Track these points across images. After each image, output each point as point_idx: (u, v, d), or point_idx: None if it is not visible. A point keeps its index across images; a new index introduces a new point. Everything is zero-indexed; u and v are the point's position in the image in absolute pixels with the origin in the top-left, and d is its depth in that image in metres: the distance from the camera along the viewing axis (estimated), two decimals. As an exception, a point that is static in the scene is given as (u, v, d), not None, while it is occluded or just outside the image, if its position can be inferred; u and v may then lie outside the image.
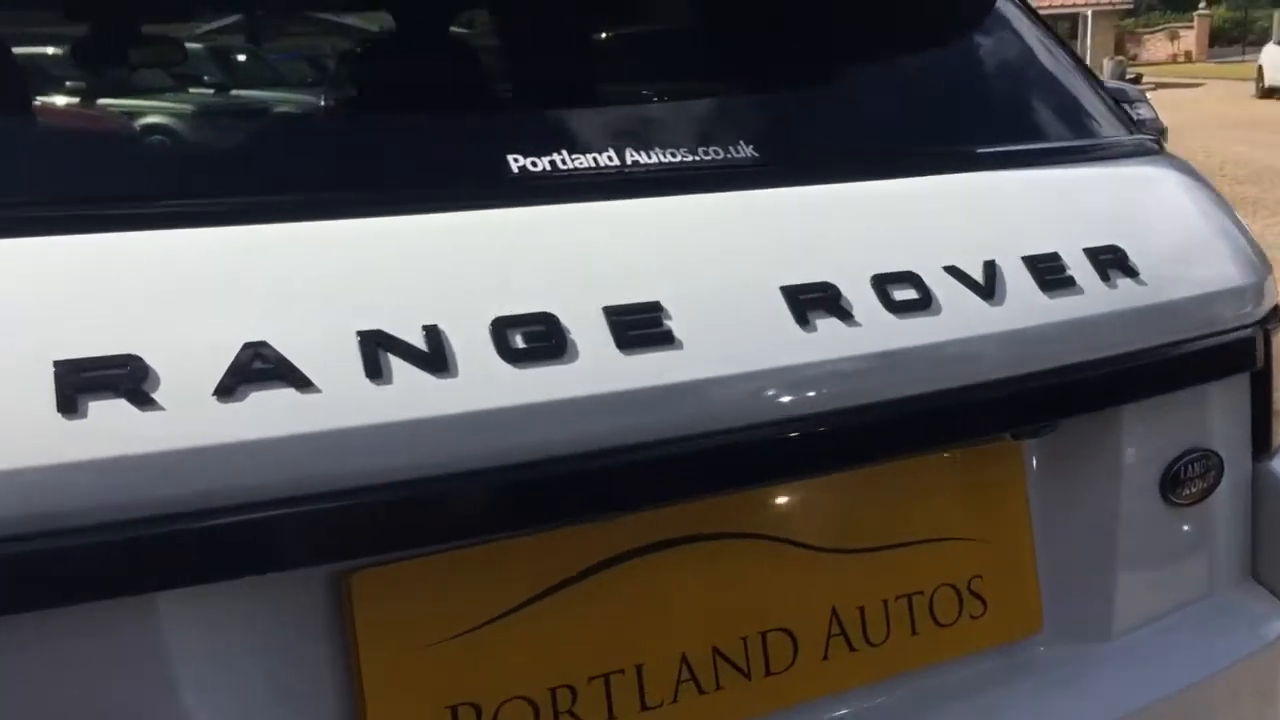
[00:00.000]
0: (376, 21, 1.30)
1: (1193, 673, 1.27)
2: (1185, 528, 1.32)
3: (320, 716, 0.94)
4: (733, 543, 1.08)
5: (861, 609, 1.13)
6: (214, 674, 0.89)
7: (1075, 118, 1.43)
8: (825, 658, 1.11)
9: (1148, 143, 1.46)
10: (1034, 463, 1.24)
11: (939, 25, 1.41)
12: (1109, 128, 1.45)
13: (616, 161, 1.11)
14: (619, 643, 1.03)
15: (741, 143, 1.17)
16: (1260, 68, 25.38)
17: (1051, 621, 1.24)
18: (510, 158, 1.07)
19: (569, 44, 1.31)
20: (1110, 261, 1.22)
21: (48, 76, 1.15)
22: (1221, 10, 42.21)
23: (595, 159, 1.10)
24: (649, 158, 1.12)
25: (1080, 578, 1.26)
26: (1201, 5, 39.04)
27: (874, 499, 1.14)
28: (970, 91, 1.38)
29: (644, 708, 1.03)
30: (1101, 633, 1.27)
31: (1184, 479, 1.30)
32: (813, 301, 1.05)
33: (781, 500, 1.09)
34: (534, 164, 1.08)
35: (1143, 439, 1.27)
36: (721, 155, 1.16)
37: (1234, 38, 37.78)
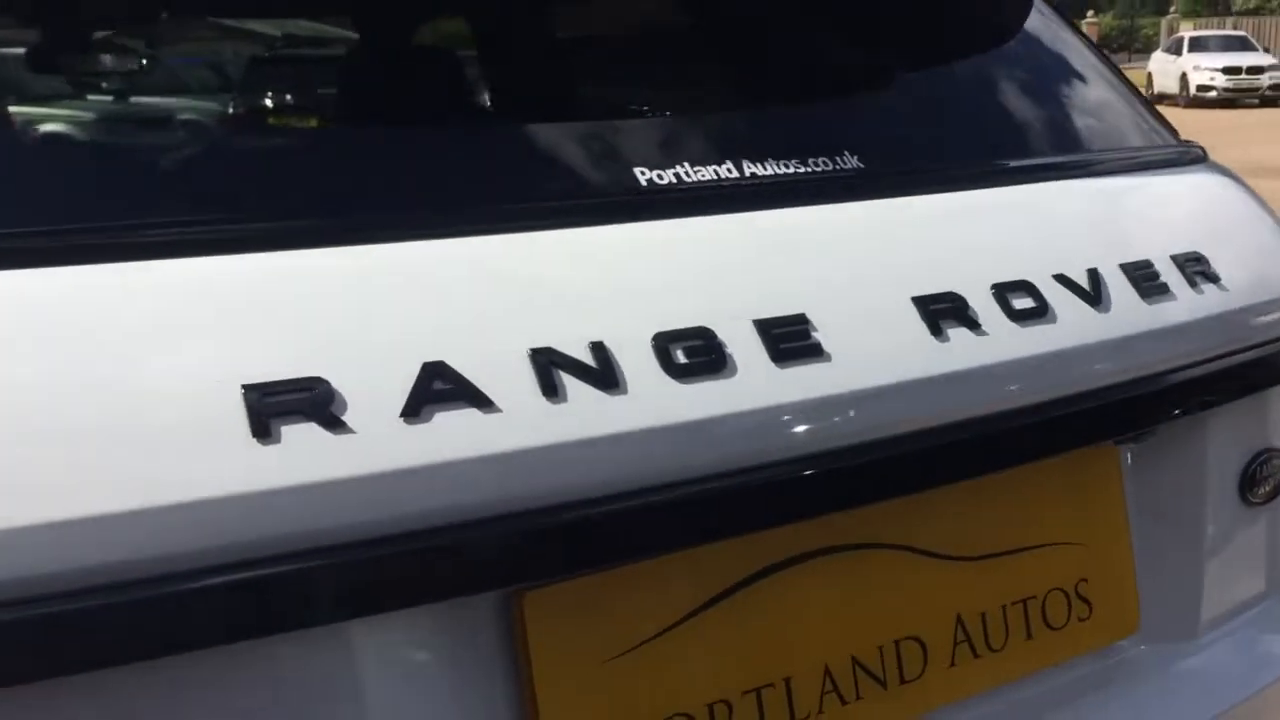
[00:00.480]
0: (511, 39, 1.28)
1: (1276, 669, 1.30)
2: (1261, 526, 1.36)
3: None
4: (863, 553, 1.08)
5: (983, 615, 1.14)
6: (396, 698, 0.87)
7: (1135, 127, 1.46)
8: (952, 665, 1.12)
9: (1195, 150, 1.50)
10: (1128, 466, 1.26)
11: (1016, 47, 1.44)
12: (1162, 136, 1.48)
13: (735, 174, 1.11)
14: (768, 656, 1.03)
15: (847, 153, 1.18)
16: (1150, 75, 26.21)
17: (1146, 621, 1.26)
18: (637, 170, 1.07)
19: (688, 58, 1.30)
20: (1196, 269, 1.25)
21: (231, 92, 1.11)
22: (1108, 19, 43.46)
23: (715, 171, 1.10)
24: (765, 169, 1.12)
25: (1168, 577, 1.29)
26: (1090, 13, 40.14)
27: (989, 506, 1.15)
28: (1046, 105, 1.40)
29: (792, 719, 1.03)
30: (1189, 631, 1.30)
31: (1259, 478, 1.34)
32: (943, 311, 1.06)
33: (907, 509, 1.10)
34: (659, 177, 1.07)
35: (1223, 440, 1.31)
36: (830, 166, 1.16)
37: (1121, 45, 38.89)
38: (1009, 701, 1.17)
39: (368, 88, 1.23)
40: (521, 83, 1.21)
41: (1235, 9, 46.76)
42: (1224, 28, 32.56)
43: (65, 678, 0.75)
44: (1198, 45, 29.09)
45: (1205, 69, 27.80)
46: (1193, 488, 1.29)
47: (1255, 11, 42.28)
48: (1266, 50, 29.53)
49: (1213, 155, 1.50)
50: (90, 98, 1.26)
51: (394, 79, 1.19)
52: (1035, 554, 1.18)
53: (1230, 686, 1.28)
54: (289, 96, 1.31)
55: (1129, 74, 1.65)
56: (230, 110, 1.16)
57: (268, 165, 0.98)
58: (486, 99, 1.19)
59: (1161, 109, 1.65)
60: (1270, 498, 1.35)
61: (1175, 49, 29.52)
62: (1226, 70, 27.58)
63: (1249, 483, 1.33)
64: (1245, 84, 27.31)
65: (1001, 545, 1.16)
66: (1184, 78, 28.17)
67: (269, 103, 1.30)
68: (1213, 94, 27.53)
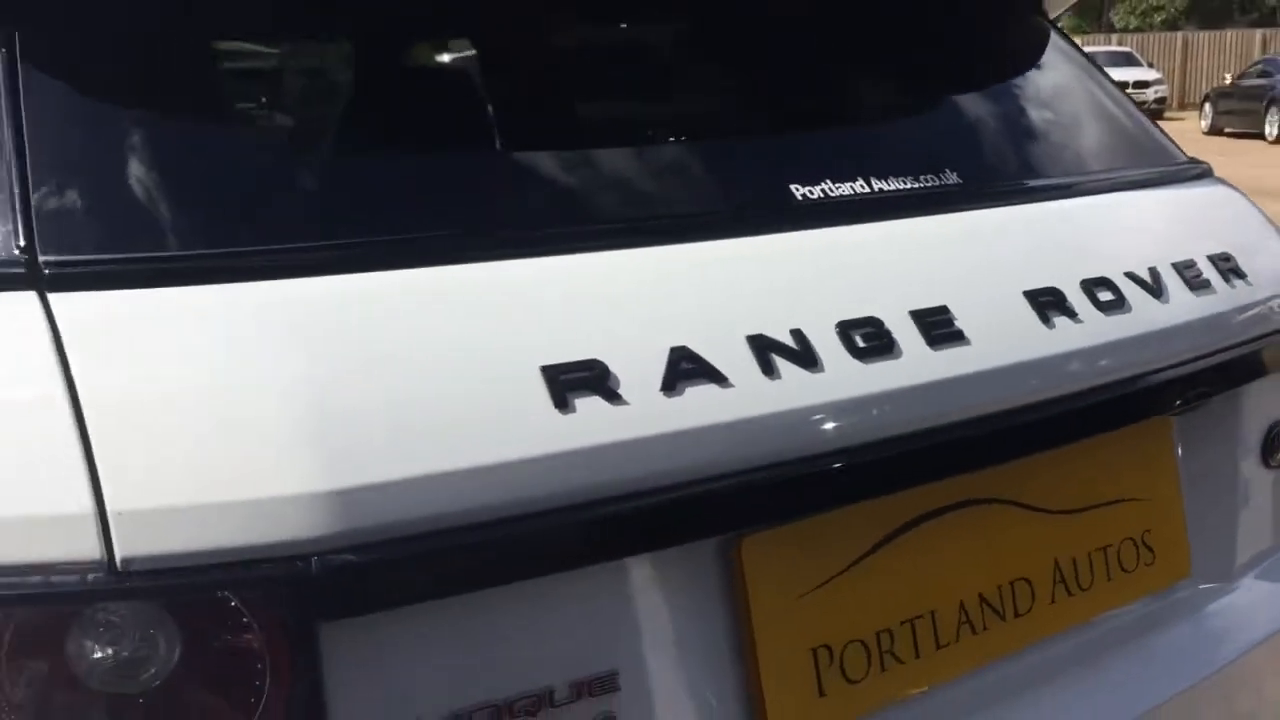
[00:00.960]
0: (693, 69, 1.46)
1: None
2: (1276, 485, 1.59)
3: (718, 656, 1.10)
4: (985, 508, 1.28)
5: (1074, 560, 1.35)
6: (649, 617, 1.05)
7: (1160, 147, 1.70)
8: (1052, 601, 1.33)
9: (1204, 165, 1.73)
10: (1177, 437, 1.48)
11: (1069, 88, 1.66)
12: (1178, 154, 1.72)
13: (866, 189, 1.31)
14: (917, 593, 1.22)
15: (948, 170, 1.39)
16: (1041, 89, 27.08)
17: (1195, 566, 1.48)
18: (793, 187, 1.26)
19: (830, 85, 1.50)
20: (1228, 267, 1.48)
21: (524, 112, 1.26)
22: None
23: (851, 187, 1.30)
24: (888, 185, 1.32)
25: (1209, 529, 1.51)
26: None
27: (1075, 468, 1.36)
28: (1096, 131, 1.63)
29: (938, 647, 1.23)
30: (1227, 575, 1.52)
31: (1277, 445, 1.57)
32: (1047, 303, 1.27)
33: (1016, 471, 1.30)
34: (810, 192, 1.27)
35: (1250, 414, 1.54)
36: (937, 181, 1.37)
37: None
38: (1096, 633, 1.38)
39: (623, 120, 1.40)
40: (715, 114, 1.40)
41: (1117, 26, 48.36)
42: (1109, 44, 33.78)
43: (448, 597, 0.92)
44: (1086, 61, 30.10)
45: (1094, 84, 28.72)
46: (1227, 454, 1.52)
47: (1137, 28, 43.81)
48: (1151, 65, 30.65)
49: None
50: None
51: (646, 111, 1.37)
52: (1111, 509, 1.39)
53: (1261, 620, 1.50)
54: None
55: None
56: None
57: (560, 186, 1.16)
58: (689, 133, 1.38)
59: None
60: (1286, 460, 1.59)
61: (1065, 65, 30.45)
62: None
63: (1269, 449, 1.56)
64: (1133, 98, 28.33)
65: (1085, 501, 1.37)
66: (1074, 92, 29.00)
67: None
68: (1102, 108, 28.36)
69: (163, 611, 0.88)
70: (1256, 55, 30.20)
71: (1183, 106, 31.46)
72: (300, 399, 0.90)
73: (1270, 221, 1.68)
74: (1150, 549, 1.42)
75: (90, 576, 0.86)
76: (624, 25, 1.41)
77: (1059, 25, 1.86)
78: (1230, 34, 35.50)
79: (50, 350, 0.90)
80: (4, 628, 0.86)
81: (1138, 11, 48.31)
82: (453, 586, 0.94)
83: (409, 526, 0.90)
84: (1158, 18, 45.71)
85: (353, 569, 0.89)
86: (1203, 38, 35.05)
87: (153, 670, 0.88)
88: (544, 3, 1.28)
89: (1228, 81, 25.28)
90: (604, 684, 1.02)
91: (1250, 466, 1.55)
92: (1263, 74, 23.95)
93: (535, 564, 0.97)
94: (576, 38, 1.36)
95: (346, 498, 0.89)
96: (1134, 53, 31.22)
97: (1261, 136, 22.83)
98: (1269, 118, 22.46)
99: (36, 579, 0.85)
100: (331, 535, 0.88)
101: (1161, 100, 28.85)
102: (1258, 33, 34.88)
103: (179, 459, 0.88)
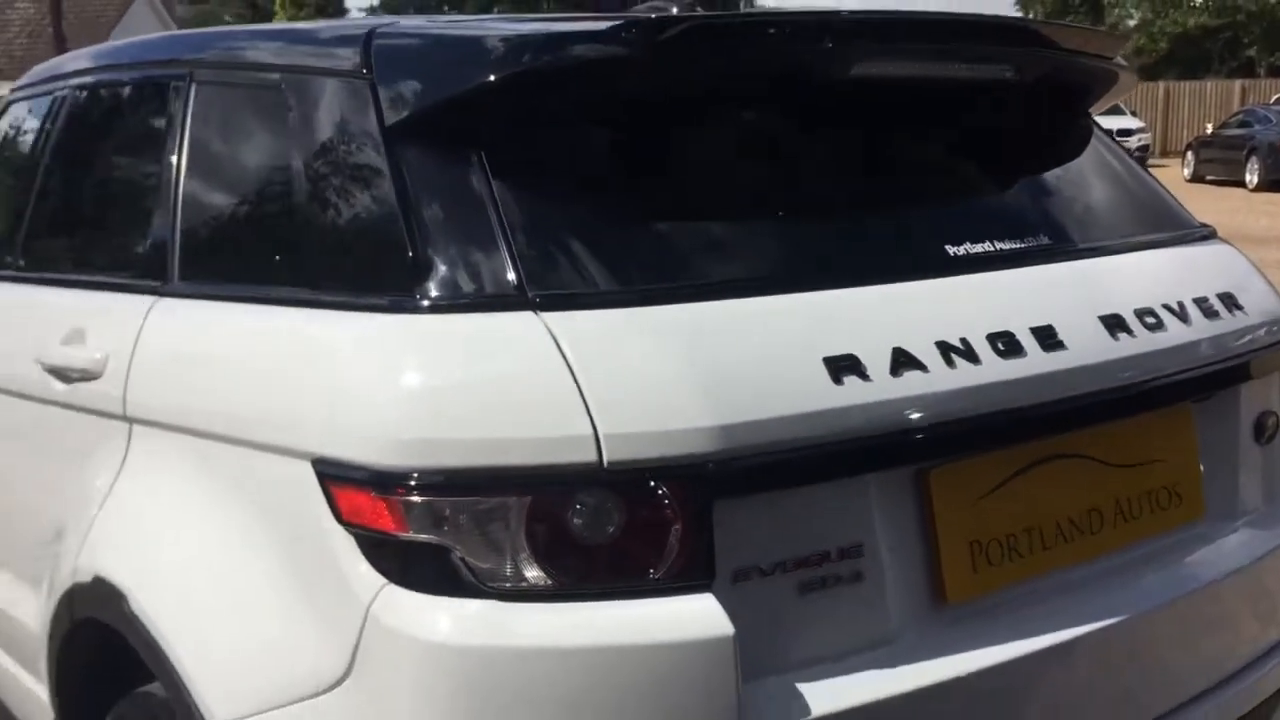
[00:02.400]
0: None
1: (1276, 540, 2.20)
2: (1262, 457, 2.25)
3: (912, 562, 1.74)
4: (1073, 460, 1.93)
5: (1127, 499, 2.00)
6: (880, 517, 1.70)
7: (1178, 216, 2.37)
8: (1114, 526, 1.98)
9: (1210, 228, 2.40)
10: (1196, 419, 2.14)
11: (1113, 168, 2.33)
12: (1193, 220, 2.39)
13: (990, 247, 1.97)
14: (1031, 513, 1.86)
15: (1042, 234, 2.05)
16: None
17: (1208, 511, 2.14)
18: (947, 247, 1.92)
19: (969, 178, 2.17)
20: (1230, 302, 2.15)
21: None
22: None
23: (982, 246, 1.96)
24: (1005, 245, 1.99)
25: (1217, 485, 2.16)
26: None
27: (1129, 436, 2.01)
28: (1131, 204, 2.30)
29: (1044, 549, 1.87)
30: (1228, 518, 2.17)
31: (1263, 428, 2.23)
32: (1111, 324, 1.93)
33: (1092, 436, 1.95)
34: (960, 250, 1.92)
35: (1245, 404, 2.20)
36: (1034, 242, 2.03)
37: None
38: (1141, 551, 2.02)
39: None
40: (901, 199, 2.05)
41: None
42: (1094, 93, 34.74)
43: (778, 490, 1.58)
44: (1072, 109, 31.01)
45: (1080, 132, 29.60)
46: (1229, 433, 2.18)
47: (1119, 76, 44.48)
48: (1134, 114, 31.56)
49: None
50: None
51: (860, 195, 2.02)
52: (1150, 466, 2.04)
53: (1249, 550, 2.16)
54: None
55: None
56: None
57: (815, 249, 1.83)
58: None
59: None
60: (1269, 440, 2.25)
61: (1052, 112, 31.34)
62: (1099, 133, 29.42)
63: (1259, 431, 2.23)
64: (1117, 146, 29.24)
65: (1134, 460, 2.02)
66: (1061, 139, 29.84)
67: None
68: (1087, 155, 29.19)
69: (624, 494, 1.52)
70: (1236, 105, 31.14)
71: (1165, 154, 32.39)
72: (705, 370, 1.56)
73: (1257, 267, 2.35)
74: (1177, 495, 2.08)
75: (588, 473, 1.50)
76: (843, 133, 2.06)
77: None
78: (1210, 84, 36.54)
79: (550, 343, 1.55)
80: (542, 501, 1.50)
81: (1123, 54, 49.09)
82: (778, 484, 1.59)
83: (757, 447, 1.55)
84: (1135, 64, 46.51)
85: (730, 471, 1.54)
86: (1184, 87, 36.06)
87: (612, 528, 1.53)
88: (795, 127, 1.95)
89: (1209, 131, 26.18)
90: (856, 551, 1.67)
91: (1245, 443, 2.21)
92: (1242, 124, 24.81)
93: (823, 474, 1.62)
94: (813, 144, 2.02)
95: (727, 429, 1.54)
96: (1119, 102, 32.13)
97: (1242, 184, 23.64)
98: (1249, 166, 23.28)
99: (561, 472, 1.50)
100: (719, 451, 1.53)
101: (1144, 148, 29.69)
102: (1237, 83, 35.91)
103: (636, 403, 1.52)
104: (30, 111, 3.12)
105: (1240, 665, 2.10)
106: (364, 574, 1.57)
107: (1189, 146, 26.35)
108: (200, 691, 1.74)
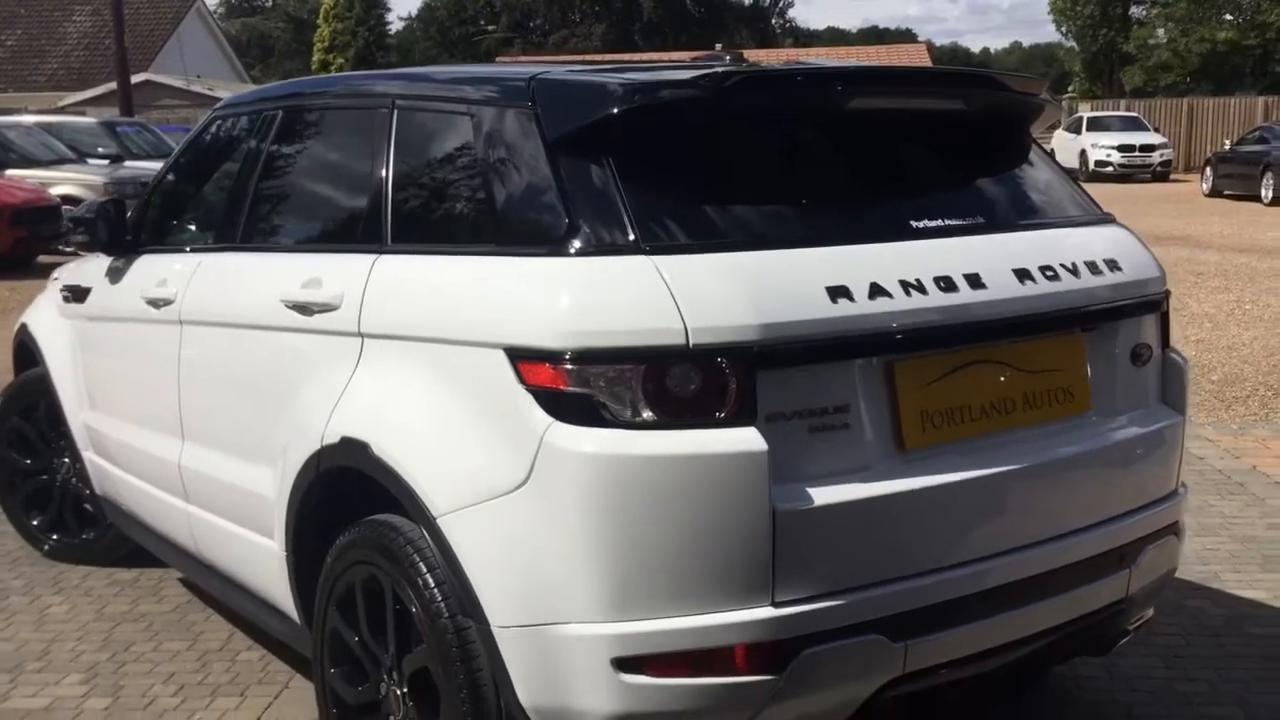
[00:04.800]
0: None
1: (1146, 429, 3.17)
2: (1139, 376, 3.22)
3: (882, 420, 2.71)
4: (996, 365, 2.90)
5: (1034, 393, 2.96)
6: (862, 389, 2.68)
7: (1089, 204, 3.35)
8: (1024, 411, 2.94)
9: (1110, 215, 3.38)
10: (1085, 344, 3.11)
11: (1040, 169, 3.32)
12: (1096, 210, 3.37)
13: (942, 222, 2.95)
14: (965, 395, 2.82)
15: (977, 215, 3.04)
16: (1052, 151, 28.89)
17: (1094, 406, 3.11)
18: (912, 221, 2.91)
19: (932, 175, 3.16)
20: (1114, 264, 3.12)
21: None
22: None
23: (938, 221, 2.94)
24: (953, 221, 2.96)
25: (1102, 389, 3.13)
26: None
27: (1036, 350, 2.97)
28: (1044, 193, 3.28)
29: (973, 419, 2.84)
30: (1112, 412, 3.14)
31: (1138, 355, 3.21)
32: (1023, 274, 2.91)
33: (1012, 347, 2.92)
34: (920, 224, 2.91)
35: (1125, 336, 3.17)
36: (973, 220, 3.01)
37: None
38: (1045, 430, 2.98)
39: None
40: (888, 189, 3.05)
41: (1126, 87, 49.93)
42: (1118, 109, 35.60)
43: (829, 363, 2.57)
44: (1095, 125, 31.80)
45: (1102, 147, 30.45)
46: (1111, 355, 3.15)
47: (1145, 93, 45.33)
48: (1157, 130, 32.31)
49: (1117, 220, 3.40)
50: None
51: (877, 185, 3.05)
52: (1051, 373, 3.01)
53: (1122, 435, 3.13)
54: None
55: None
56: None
57: (850, 226, 2.82)
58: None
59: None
60: (1144, 365, 3.22)
61: (1075, 128, 32.16)
62: (1121, 148, 30.26)
63: (1134, 357, 3.20)
64: (1138, 161, 30.05)
65: (1040, 367, 2.98)
66: (1083, 154, 30.69)
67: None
68: (1109, 169, 30.13)
69: (701, 365, 2.51)
70: (1259, 122, 31.85)
71: (1188, 170, 33.11)
72: (750, 291, 2.54)
73: (1141, 240, 3.33)
74: (1070, 394, 3.05)
75: (679, 352, 2.49)
76: (845, 144, 3.04)
77: (1036, 138, 3.51)
78: (1234, 101, 37.19)
79: (656, 274, 2.54)
80: (651, 368, 2.49)
81: (1146, 67, 49.88)
82: (796, 362, 2.56)
83: (783, 339, 2.54)
84: (1164, 79, 47.25)
85: (766, 353, 2.52)
86: (1207, 103, 36.76)
87: (693, 385, 2.51)
88: (813, 139, 2.95)
89: (1227, 146, 26.95)
90: (845, 409, 2.64)
91: (1123, 364, 3.18)
92: (1260, 140, 25.52)
93: (824, 357, 2.59)
94: (824, 150, 3.01)
95: (764, 326, 2.51)
96: (1141, 117, 32.83)
97: (1258, 199, 24.34)
98: (1264, 181, 24.00)
99: (662, 350, 2.49)
100: (759, 341, 2.51)
101: (1166, 164, 30.48)
102: (1260, 99, 36.56)
103: (709, 310, 2.51)
104: (238, 125, 4.18)
105: (1110, 516, 3.05)
106: (538, 416, 2.56)
107: (1207, 162, 27.14)
108: (428, 496, 2.74)
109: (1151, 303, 3.24)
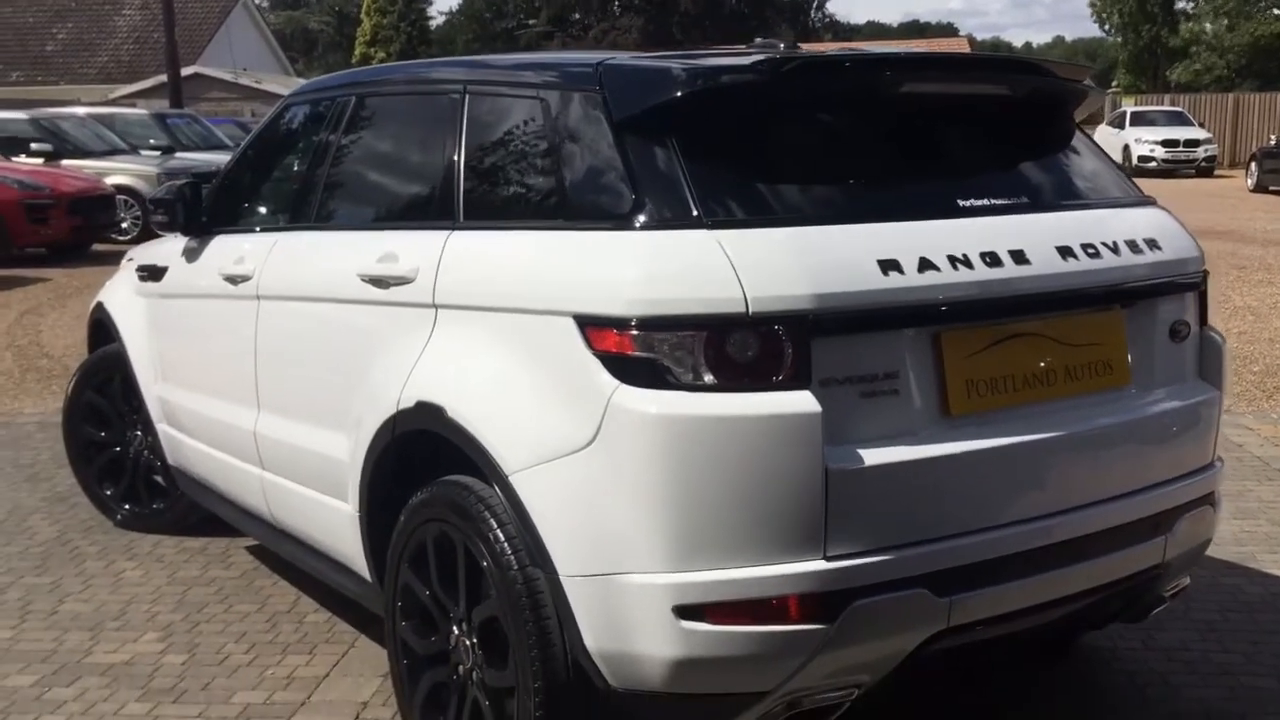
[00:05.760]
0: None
1: (1183, 403, 3.30)
2: (1177, 352, 3.36)
3: (929, 387, 2.86)
4: (1040, 337, 3.04)
5: (1076, 365, 3.10)
6: (910, 358, 2.83)
7: (1129, 187, 3.48)
8: (1065, 382, 3.08)
9: (1151, 198, 3.51)
10: (1125, 319, 3.24)
11: (1082, 152, 3.46)
12: (1137, 192, 3.51)
13: (989, 202, 3.09)
14: (1010, 365, 2.97)
15: (1023, 195, 3.18)
16: (1096, 145, 28.74)
17: (1134, 380, 3.24)
18: (959, 200, 3.05)
19: (979, 157, 3.31)
20: (1154, 243, 3.26)
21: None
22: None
23: (982, 201, 3.08)
24: (999, 201, 3.11)
25: (1141, 364, 3.26)
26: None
27: (1080, 324, 3.11)
28: (1095, 178, 3.42)
29: (1017, 389, 2.99)
30: (1147, 387, 3.27)
31: (1176, 332, 3.34)
32: (1067, 251, 3.05)
33: (1055, 321, 3.06)
34: (968, 203, 3.05)
35: (1164, 312, 3.30)
36: (1018, 200, 3.16)
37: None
38: (1085, 401, 3.12)
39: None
40: (940, 170, 3.19)
41: (1172, 83, 49.57)
42: (1163, 104, 35.37)
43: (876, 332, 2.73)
44: (1139, 120, 31.63)
45: (1146, 142, 30.30)
46: (1150, 330, 3.28)
47: (1190, 87, 44.97)
48: (1201, 125, 32.08)
49: (1158, 202, 3.53)
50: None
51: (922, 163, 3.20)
52: (1092, 346, 3.15)
53: (1170, 405, 3.26)
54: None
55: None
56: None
57: (901, 207, 2.97)
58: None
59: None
60: (1181, 340, 3.35)
61: (1119, 123, 32.00)
62: (1165, 143, 30.09)
63: (1173, 333, 3.33)
64: (1182, 156, 29.89)
65: (1082, 341, 3.12)
66: (1126, 149, 30.52)
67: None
68: (1153, 164, 29.96)
69: (759, 331, 2.66)
70: (1306, 117, 31.57)
71: (1233, 165, 32.87)
72: (807, 263, 2.70)
73: (1180, 222, 3.46)
74: (1110, 367, 3.19)
75: (739, 319, 2.65)
76: (896, 127, 3.19)
77: (1079, 123, 3.64)
78: (1281, 96, 36.90)
79: (717, 246, 2.70)
80: (712, 335, 2.66)
81: (1191, 69, 49.58)
82: (849, 330, 2.72)
83: (837, 309, 2.69)
84: (1208, 76, 46.90)
85: (821, 321, 2.68)
86: (1253, 99, 36.46)
87: (752, 351, 2.67)
88: (865, 122, 3.10)
89: (1273, 141, 26.76)
90: (894, 375, 2.79)
91: (1161, 339, 3.31)
92: (1306, 136, 25.30)
93: (876, 326, 2.75)
94: (876, 132, 3.16)
95: (819, 296, 2.66)
96: (1185, 112, 32.61)
97: (1303, 194, 24.13)
98: (1310, 177, 23.79)
99: (723, 318, 2.65)
100: (814, 310, 2.66)
101: (1211, 159, 30.27)
102: (1307, 95, 36.22)
103: (767, 280, 2.67)
104: (311, 112, 4.37)
105: (1146, 484, 3.18)
106: (606, 380, 2.72)
107: (1252, 157, 26.93)
108: (500, 455, 2.92)
109: (1190, 282, 3.36)
